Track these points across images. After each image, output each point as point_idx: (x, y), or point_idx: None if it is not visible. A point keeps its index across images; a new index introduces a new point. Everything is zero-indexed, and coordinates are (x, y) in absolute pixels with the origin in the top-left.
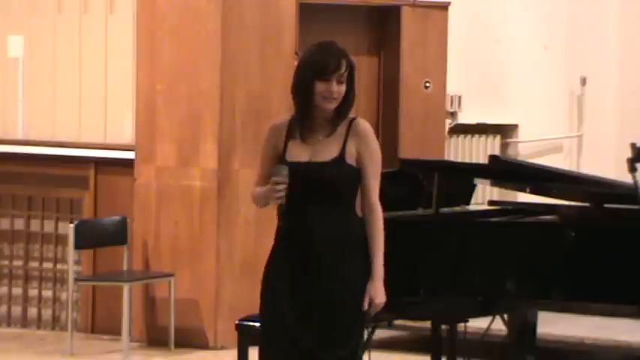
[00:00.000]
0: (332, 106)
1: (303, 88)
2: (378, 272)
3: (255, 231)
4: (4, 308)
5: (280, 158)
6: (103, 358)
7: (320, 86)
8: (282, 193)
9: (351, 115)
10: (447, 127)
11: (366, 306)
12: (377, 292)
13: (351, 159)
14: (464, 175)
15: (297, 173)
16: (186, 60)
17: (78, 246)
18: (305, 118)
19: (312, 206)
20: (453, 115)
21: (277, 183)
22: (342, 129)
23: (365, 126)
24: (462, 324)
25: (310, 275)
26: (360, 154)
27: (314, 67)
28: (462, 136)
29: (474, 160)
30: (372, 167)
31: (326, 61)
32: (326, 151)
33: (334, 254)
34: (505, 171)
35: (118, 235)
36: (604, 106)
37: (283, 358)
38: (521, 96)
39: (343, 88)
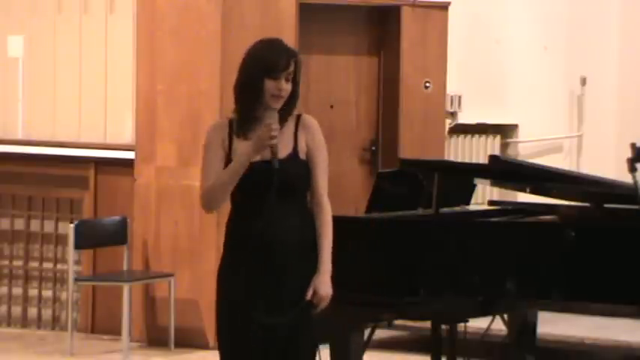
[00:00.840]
0: (279, 104)
1: (250, 86)
2: (324, 266)
3: None
4: (4, 308)
5: (227, 158)
6: (103, 358)
7: (269, 84)
8: (275, 134)
9: (300, 113)
10: (447, 127)
11: (309, 296)
12: (321, 284)
13: (303, 154)
14: (464, 175)
15: (252, 172)
16: (186, 60)
17: (78, 246)
18: (250, 117)
19: (270, 204)
20: (453, 115)
21: (271, 125)
22: (290, 125)
23: (312, 120)
24: (462, 324)
25: (271, 276)
26: (309, 148)
27: (264, 65)
28: (462, 136)
29: (474, 160)
30: (320, 161)
31: (276, 59)
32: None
33: (295, 253)
34: (505, 171)
35: (118, 235)
36: (604, 106)
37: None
38: (521, 96)
39: (290, 86)
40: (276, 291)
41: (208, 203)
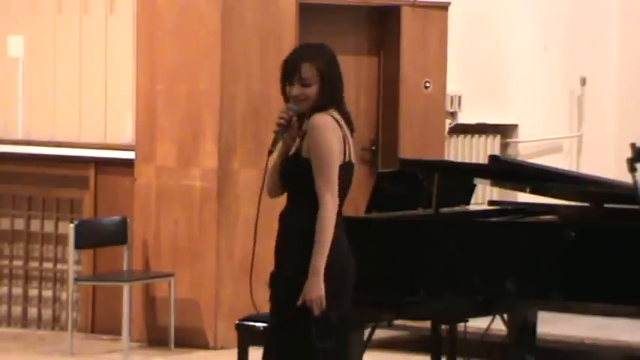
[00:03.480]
0: (302, 106)
1: (282, 91)
2: (311, 268)
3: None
4: (4, 308)
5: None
6: (103, 358)
7: (288, 89)
8: (282, 122)
9: (333, 110)
10: (447, 127)
11: (300, 301)
12: (307, 288)
13: (305, 152)
14: (464, 175)
15: (282, 168)
16: (186, 60)
17: (78, 246)
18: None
19: (288, 200)
20: (453, 115)
21: (287, 113)
22: (305, 126)
23: (314, 121)
24: (462, 324)
25: (276, 260)
26: (307, 148)
27: (281, 71)
28: (461, 136)
29: (474, 160)
30: (314, 162)
31: (285, 66)
32: (295, 146)
33: (285, 248)
34: (505, 171)
35: (118, 235)
36: (604, 106)
37: None
38: (521, 96)
39: (309, 90)
40: (277, 274)
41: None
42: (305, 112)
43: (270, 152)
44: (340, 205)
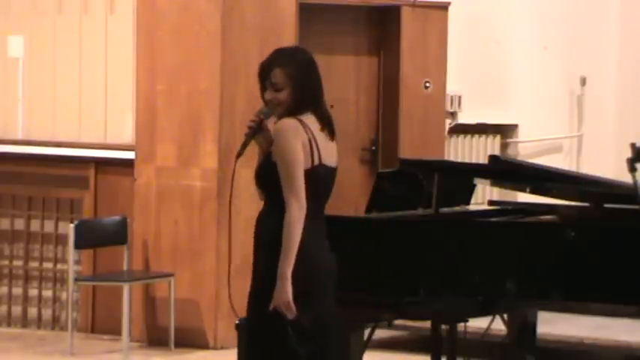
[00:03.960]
0: (276, 111)
1: (260, 94)
2: (278, 273)
3: None
4: (4, 308)
5: None
6: (103, 358)
7: (264, 93)
8: (252, 124)
9: (309, 114)
10: (447, 127)
11: (270, 307)
12: (275, 293)
13: (275, 156)
14: (464, 175)
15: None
16: (186, 60)
17: (78, 246)
18: None
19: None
20: (453, 115)
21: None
22: None
23: (276, 126)
24: (462, 324)
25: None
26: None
27: (258, 75)
28: (461, 136)
29: (474, 160)
30: (279, 166)
31: (260, 70)
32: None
33: (257, 251)
34: (505, 171)
35: (118, 235)
36: (604, 106)
37: None
38: (521, 96)
39: (281, 94)
40: (253, 274)
41: None
42: (280, 116)
43: (238, 155)
44: (318, 212)
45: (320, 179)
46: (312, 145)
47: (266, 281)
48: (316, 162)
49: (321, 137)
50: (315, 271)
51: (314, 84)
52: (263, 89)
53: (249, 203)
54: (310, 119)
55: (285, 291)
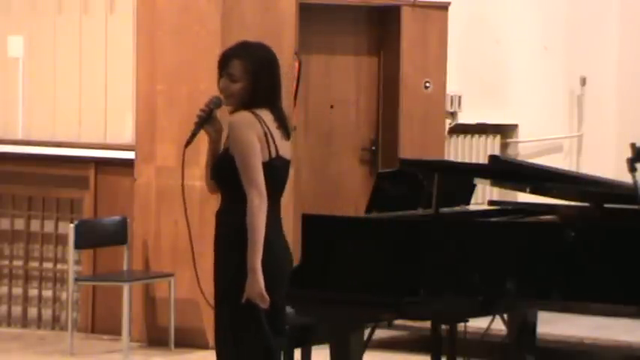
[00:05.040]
0: (228, 102)
1: (218, 83)
2: (248, 266)
3: None
4: (4, 308)
5: None
6: (103, 358)
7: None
8: (201, 114)
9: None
10: (447, 127)
11: (243, 300)
12: (247, 286)
13: (232, 150)
14: (464, 175)
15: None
16: (186, 60)
17: (78, 246)
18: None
19: (220, 198)
20: (453, 115)
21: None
22: None
23: (230, 119)
24: (462, 324)
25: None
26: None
27: (217, 64)
28: (461, 136)
29: (474, 160)
30: (236, 159)
31: (220, 59)
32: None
33: (219, 245)
34: (505, 171)
35: (118, 235)
36: (604, 106)
37: None
38: (521, 96)
39: (234, 86)
40: (216, 273)
41: None
42: (232, 108)
43: (187, 144)
44: (275, 202)
45: (277, 171)
46: (267, 138)
47: (237, 279)
48: (273, 154)
49: (276, 132)
50: (275, 258)
51: (271, 82)
52: (220, 78)
53: None
54: (266, 114)
55: (258, 282)
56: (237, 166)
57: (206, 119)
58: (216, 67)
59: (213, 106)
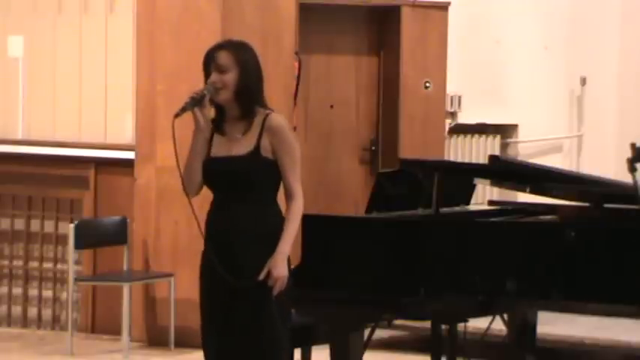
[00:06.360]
0: (220, 96)
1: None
2: (281, 247)
3: None
4: (4, 308)
5: (206, 153)
6: (103, 358)
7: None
8: (194, 95)
9: (269, 110)
10: (447, 127)
11: (262, 276)
12: (275, 265)
13: (266, 152)
14: (464, 175)
15: (216, 167)
16: (186, 60)
17: (78, 246)
18: (220, 113)
19: (230, 199)
20: (453, 115)
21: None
22: (257, 123)
23: (277, 121)
24: (462, 324)
25: (227, 262)
26: (274, 148)
27: (202, 65)
28: (461, 136)
29: (474, 160)
30: (288, 159)
31: (204, 58)
32: (243, 145)
33: (246, 248)
34: (505, 171)
35: (118, 235)
36: (604, 106)
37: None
38: (521, 96)
39: (226, 76)
40: (233, 277)
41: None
42: (224, 103)
43: (176, 115)
44: None
45: None
46: None
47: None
48: None
49: None
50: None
51: (259, 78)
52: (207, 77)
53: None
54: None
55: (286, 268)
56: (271, 168)
57: (198, 101)
58: (202, 70)
59: (206, 91)
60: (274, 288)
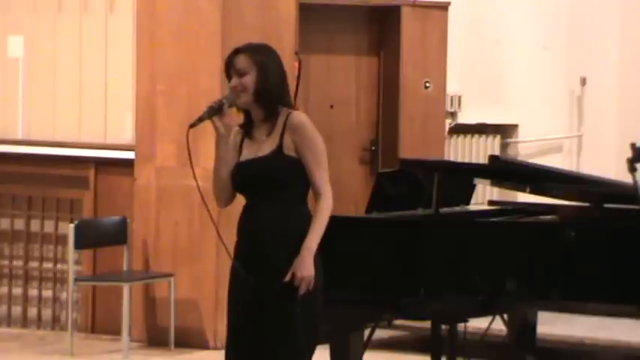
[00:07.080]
0: (241, 98)
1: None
2: (306, 244)
3: None
4: (4, 308)
5: (237, 158)
6: (103, 358)
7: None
8: (213, 104)
9: (286, 109)
10: (447, 127)
11: (287, 277)
12: (300, 265)
13: (289, 150)
14: (464, 175)
15: (242, 171)
16: (186, 60)
17: (78, 246)
18: (248, 117)
19: (258, 201)
20: (453, 115)
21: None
22: (280, 122)
23: (299, 119)
24: (462, 324)
25: (255, 268)
26: (298, 147)
27: (224, 71)
28: (461, 136)
29: (474, 160)
30: (311, 156)
31: (225, 63)
32: (267, 146)
33: (274, 248)
34: (505, 171)
35: (118, 235)
36: (604, 106)
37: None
38: (521, 96)
39: (246, 79)
40: (260, 278)
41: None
42: (247, 107)
43: (191, 125)
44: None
45: None
46: None
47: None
48: None
49: None
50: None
51: (283, 79)
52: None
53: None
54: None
55: (312, 264)
56: (296, 167)
57: (216, 110)
58: (224, 75)
59: (225, 100)
60: (300, 288)
